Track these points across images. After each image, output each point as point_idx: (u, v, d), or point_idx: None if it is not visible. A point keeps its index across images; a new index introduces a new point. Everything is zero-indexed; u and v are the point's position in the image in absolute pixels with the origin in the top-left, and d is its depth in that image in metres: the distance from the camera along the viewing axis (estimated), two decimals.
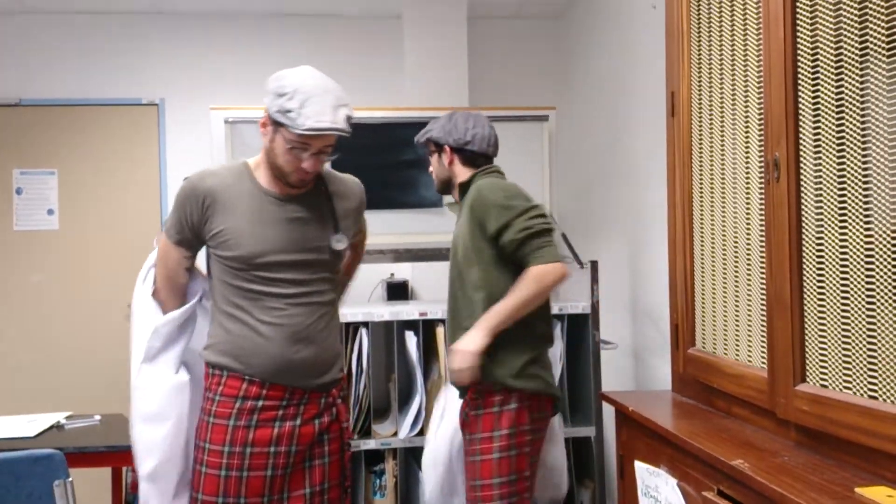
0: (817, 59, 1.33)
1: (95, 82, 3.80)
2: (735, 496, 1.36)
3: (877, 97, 1.18)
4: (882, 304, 1.17)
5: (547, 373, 1.96)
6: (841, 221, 1.27)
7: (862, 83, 1.21)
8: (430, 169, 2.14)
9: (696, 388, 1.85)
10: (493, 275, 1.90)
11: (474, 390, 1.93)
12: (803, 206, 1.37)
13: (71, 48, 3.79)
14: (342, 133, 1.62)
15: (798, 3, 1.37)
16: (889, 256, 1.16)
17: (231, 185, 1.70)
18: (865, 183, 1.21)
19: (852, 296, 1.24)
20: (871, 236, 1.20)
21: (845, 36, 1.25)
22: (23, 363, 3.69)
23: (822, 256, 1.32)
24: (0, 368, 3.70)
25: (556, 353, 2.52)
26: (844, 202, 1.26)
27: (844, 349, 1.27)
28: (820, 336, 1.33)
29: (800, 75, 1.37)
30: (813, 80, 1.34)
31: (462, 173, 2.05)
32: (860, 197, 1.22)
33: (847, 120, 1.25)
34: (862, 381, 1.22)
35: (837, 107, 1.27)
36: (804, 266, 1.37)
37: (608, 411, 2.36)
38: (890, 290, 1.16)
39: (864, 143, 1.21)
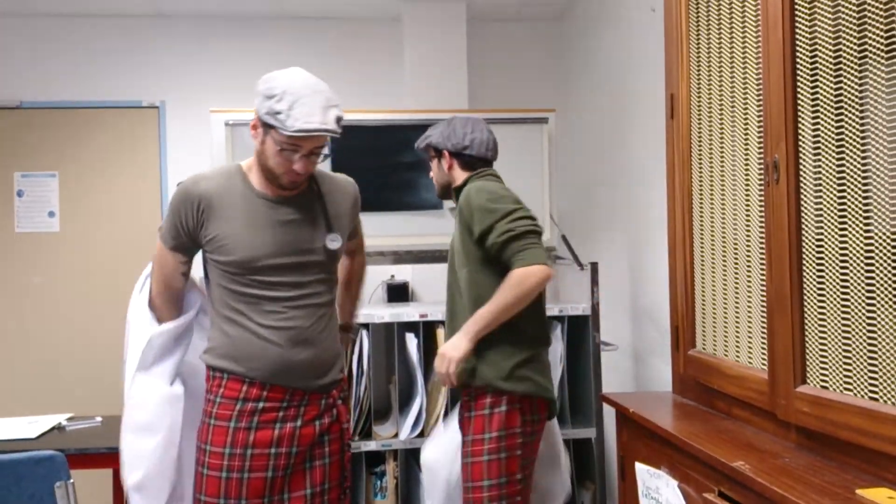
0: (816, 61, 1.33)
1: (96, 85, 3.80)
2: (736, 498, 1.36)
3: (875, 98, 1.18)
4: (882, 304, 1.18)
5: (540, 375, 1.94)
6: (840, 222, 1.27)
7: (861, 84, 1.22)
8: (431, 174, 2.15)
9: (697, 390, 1.86)
10: (481, 277, 1.92)
11: (466, 392, 1.94)
12: (803, 208, 1.37)
13: (72, 51, 3.80)
14: (332, 134, 1.61)
15: (797, 6, 1.37)
16: (889, 257, 1.16)
17: (225, 189, 1.70)
18: (865, 184, 1.21)
19: (852, 297, 1.24)
20: (870, 237, 1.20)
21: (844, 38, 1.25)
22: (24, 365, 3.70)
23: (821, 257, 1.32)
24: (1, 370, 3.70)
25: (557, 354, 2.52)
26: (844, 203, 1.26)
27: (845, 350, 1.27)
28: (820, 337, 1.34)
29: (799, 77, 1.38)
30: (812, 81, 1.34)
31: (460, 177, 2.06)
32: (860, 198, 1.22)
33: (846, 121, 1.25)
34: (862, 383, 1.22)
35: (836, 108, 1.28)
36: (804, 267, 1.37)
37: (609, 413, 2.36)
38: (890, 291, 1.16)
39: (863, 144, 1.21)
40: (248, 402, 1.67)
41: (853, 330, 1.24)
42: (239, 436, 1.65)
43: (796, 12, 1.38)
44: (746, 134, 1.58)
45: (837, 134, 1.27)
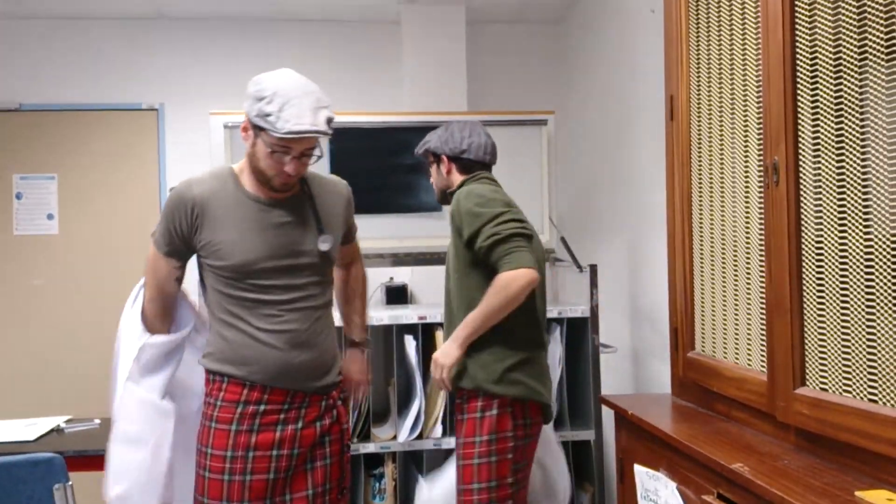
0: (816, 63, 1.33)
1: (95, 87, 3.80)
2: (735, 500, 1.36)
3: (876, 101, 1.18)
4: (882, 307, 1.18)
5: (533, 379, 1.93)
6: (840, 224, 1.27)
7: (861, 87, 1.22)
8: (431, 180, 2.16)
9: (696, 392, 1.85)
10: (472, 281, 1.92)
11: (459, 395, 1.95)
12: (802, 210, 1.37)
13: (71, 53, 3.80)
14: (323, 135, 1.60)
15: (797, 7, 1.38)
16: (888, 259, 1.16)
17: (218, 193, 1.69)
18: (865, 186, 1.21)
19: (852, 299, 1.24)
20: (870, 239, 1.20)
21: (844, 40, 1.25)
22: (22, 367, 3.69)
23: (821, 259, 1.33)
24: (1, 372, 3.69)
25: (556, 356, 2.52)
26: (844, 205, 1.26)
27: (844, 352, 1.27)
28: (819, 339, 1.34)
29: (799, 79, 1.38)
30: (812, 83, 1.35)
31: (457, 181, 2.07)
32: (859, 200, 1.22)
33: (846, 123, 1.25)
34: (862, 385, 1.22)
35: (836, 110, 1.28)
36: (804, 269, 1.37)
37: (607, 415, 2.36)
38: (889, 293, 1.16)
39: (863, 146, 1.22)
40: (249, 405, 1.66)
41: (852, 332, 1.24)
42: (241, 438, 1.65)
43: (796, 14, 1.38)
44: (746, 136, 1.58)
45: (837, 136, 1.28)
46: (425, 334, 2.56)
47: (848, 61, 1.24)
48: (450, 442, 2.46)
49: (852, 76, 1.23)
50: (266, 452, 1.66)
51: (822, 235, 1.32)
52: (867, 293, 1.21)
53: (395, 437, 2.49)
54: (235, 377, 1.67)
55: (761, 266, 1.52)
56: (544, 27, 4.05)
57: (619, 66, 3.12)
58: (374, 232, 2.82)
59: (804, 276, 1.37)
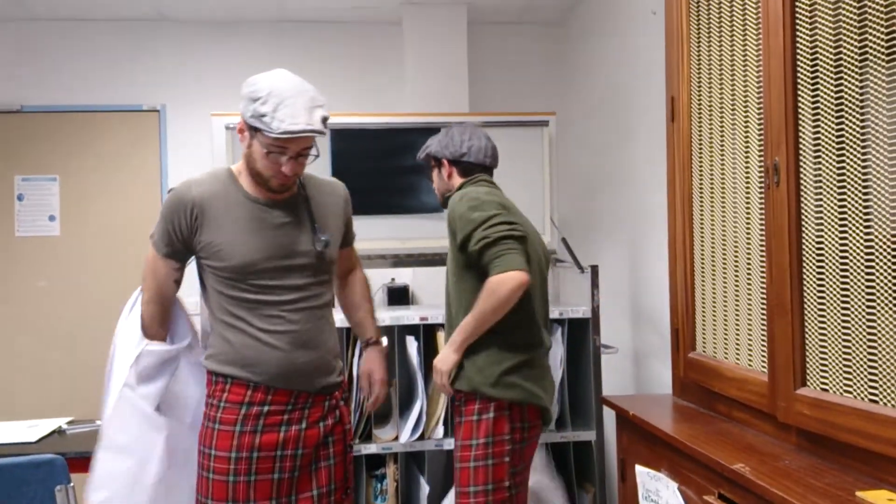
0: (817, 64, 1.33)
1: (96, 89, 3.81)
2: (736, 500, 1.36)
3: (876, 102, 1.19)
4: (882, 307, 1.18)
5: (531, 382, 1.92)
6: (841, 225, 1.27)
7: (861, 88, 1.22)
8: (434, 185, 2.17)
9: (697, 392, 1.86)
10: (468, 284, 1.93)
11: (458, 398, 1.95)
12: (803, 211, 1.37)
13: (72, 55, 3.81)
14: (318, 134, 1.60)
15: (797, 9, 1.38)
16: (889, 260, 1.16)
17: (218, 194, 1.69)
18: (865, 187, 1.21)
19: (852, 299, 1.25)
20: (871, 240, 1.20)
21: (844, 41, 1.26)
22: (24, 368, 3.70)
23: (822, 260, 1.33)
24: (1, 373, 3.70)
25: (557, 357, 2.52)
26: (844, 206, 1.26)
27: (845, 353, 1.27)
28: (820, 340, 1.34)
29: (799, 80, 1.38)
30: (812, 84, 1.35)
31: (457, 185, 2.07)
32: (860, 201, 1.23)
33: (847, 124, 1.26)
34: (862, 385, 1.23)
35: (837, 111, 1.28)
36: (804, 270, 1.38)
37: (609, 415, 2.36)
38: (890, 294, 1.16)
39: (863, 147, 1.22)
40: (252, 405, 1.67)
41: (853, 332, 1.25)
42: (245, 439, 1.65)
43: (797, 15, 1.38)
44: (747, 137, 1.58)
45: (838, 137, 1.28)
46: (427, 335, 2.57)
47: (848, 62, 1.25)
48: (451, 443, 2.46)
49: (853, 77, 1.24)
50: (270, 453, 1.66)
51: (822, 236, 1.32)
52: (868, 293, 1.21)
53: (396, 438, 2.49)
54: (239, 378, 1.67)
55: (762, 266, 1.52)
56: (546, 28, 4.05)
57: (620, 67, 3.12)
58: (376, 233, 2.82)
59: (805, 276, 1.37)
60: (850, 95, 1.25)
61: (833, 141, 1.29)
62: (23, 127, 3.76)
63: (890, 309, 1.16)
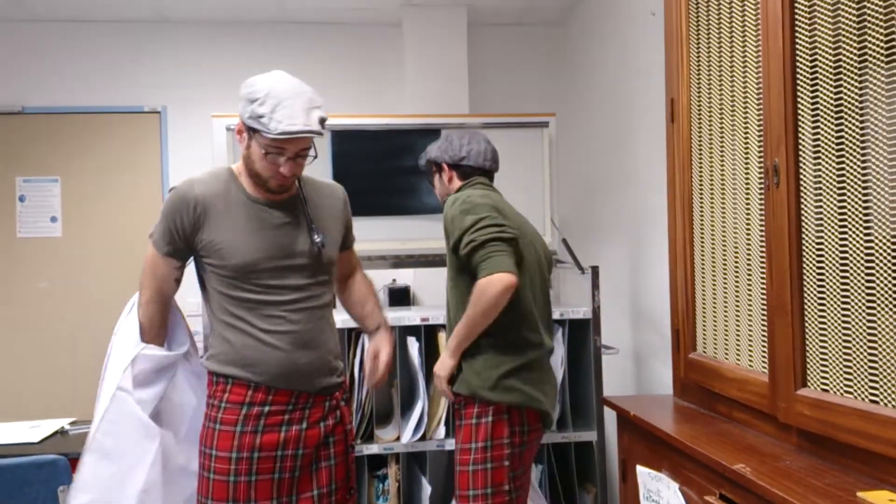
0: (816, 65, 1.34)
1: (98, 90, 3.82)
2: (737, 500, 1.36)
3: (875, 103, 1.19)
4: (882, 308, 1.18)
5: (530, 385, 1.91)
6: (841, 226, 1.28)
7: (861, 89, 1.22)
8: (436, 191, 2.18)
9: (698, 393, 1.86)
10: (462, 286, 1.93)
11: (457, 401, 1.96)
12: (803, 211, 1.38)
13: (73, 56, 3.81)
14: (315, 135, 1.61)
15: (797, 10, 1.38)
16: (889, 260, 1.17)
17: (219, 193, 1.69)
18: (865, 188, 1.22)
19: (853, 300, 1.25)
20: (870, 240, 1.21)
21: (844, 42, 1.26)
22: (26, 369, 3.70)
23: (822, 261, 1.33)
24: (3, 374, 3.71)
25: (558, 357, 2.52)
26: (844, 207, 1.27)
27: (845, 353, 1.27)
28: (821, 340, 1.34)
29: (799, 81, 1.38)
30: (812, 85, 1.35)
31: (456, 189, 2.08)
32: (860, 201, 1.23)
33: (846, 125, 1.26)
34: (863, 386, 1.23)
35: (836, 112, 1.28)
36: (804, 270, 1.38)
37: (610, 416, 2.37)
38: (890, 295, 1.16)
39: (863, 148, 1.22)
40: (253, 406, 1.67)
41: (853, 333, 1.25)
42: (245, 440, 1.65)
43: (796, 16, 1.39)
44: (746, 138, 1.59)
45: (837, 138, 1.28)
46: (428, 336, 2.57)
47: (848, 63, 1.25)
48: (452, 443, 2.47)
49: (852, 78, 1.24)
50: (271, 453, 1.67)
51: (822, 237, 1.33)
52: (868, 294, 1.21)
53: (398, 439, 2.50)
54: (240, 379, 1.68)
55: (762, 267, 1.52)
56: (545, 30, 4.06)
57: (619, 68, 3.13)
58: (377, 234, 2.83)
59: (805, 277, 1.38)
60: (849, 97, 1.25)
61: (833, 142, 1.29)
62: (24, 128, 3.76)
63: (890, 309, 1.16)
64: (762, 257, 1.52)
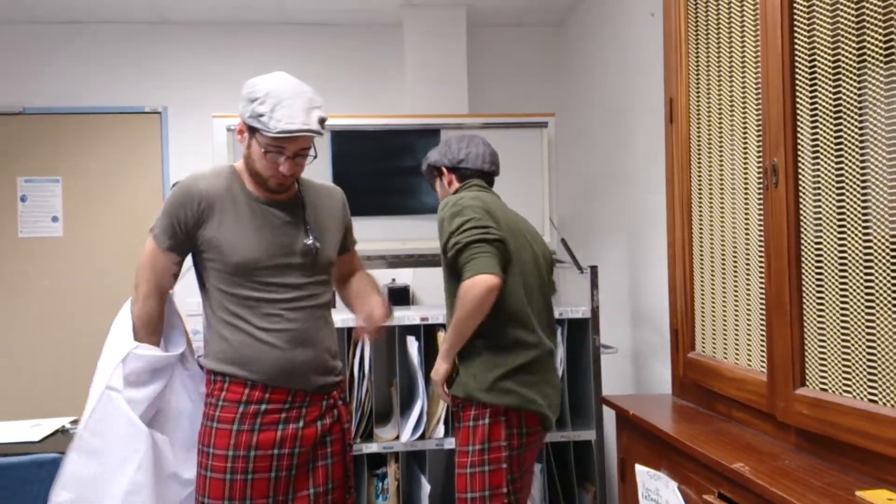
0: (815, 66, 1.34)
1: (99, 91, 3.83)
2: (735, 499, 1.37)
3: (874, 103, 1.20)
4: (881, 307, 1.19)
5: (527, 387, 1.89)
6: (839, 226, 1.28)
7: (860, 89, 1.23)
8: (438, 196, 2.19)
9: (697, 392, 1.86)
10: (454, 288, 1.93)
11: (455, 403, 1.96)
12: (802, 211, 1.38)
13: (74, 57, 3.82)
14: (315, 134, 1.62)
15: (795, 10, 1.39)
16: (888, 260, 1.17)
17: (223, 190, 1.70)
18: (864, 187, 1.22)
19: (851, 299, 1.25)
20: (869, 240, 1.21)
21: (843, 42, 1.27)
22: (27, 368, 3.71)
23: (820, 260, 1.34)
24: (4, 373, 3.71)
25: (557, 357, 2.53)
26: (843, 207, 1.27)
27: (844, 353, 1.28)
28: (819, 340, 1.35)
29: (798, 81, 1.39)
30: (811, 86, 1.36)
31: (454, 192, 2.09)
32: (858, 201, 1.23)
33: (845, 125, 1.26)
34: (862, 385, 1.23)
35: (835, 112, 1.29)
36: (803, 270, 1.38)
37: (609, 415, 2.37)
38: (889, 294, 1.17)
39: (861, 148, 1.23)
40: (250, 404, 1.67)
41: (852, 332, 1.25)
42: (242, 438, 1.66)
43: (795, 17, 1.39)
44: (745, 138, 1.59)
45: (836, 138, 1.29)
46: (427, 335, 2.58)
47: (846, 64, 1.25)
48: (452, 442, 2.47)
49: (851, 78, 1.25)
50: (267, 452, 1.67)
51: (821, 236, 1.33)
52: (866, 294, 1.22)
53: (397, 438, 2.50)
54: (237, 377, 1.68)
55: (761, 267, 1.53)
56: (545, 30, 4.06)
57: (618, 68, 3.13)
58: (376, 234, 2.83)
59: (804, 276, 1.38)
60: (848, 96, 1.25)
61: (831, 142, 1.30)
62: (26, 129, 3.77)
63: (889, 309, 1.17)
64: (761, 257, 1.52)
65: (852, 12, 1.24)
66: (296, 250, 1.72)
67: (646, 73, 2.75)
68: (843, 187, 1.27)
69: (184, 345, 1.78)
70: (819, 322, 1.34)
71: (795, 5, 1.39)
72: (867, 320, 1.21)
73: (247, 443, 1.66)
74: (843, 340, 1.28)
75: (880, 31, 1.18)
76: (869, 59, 1.20)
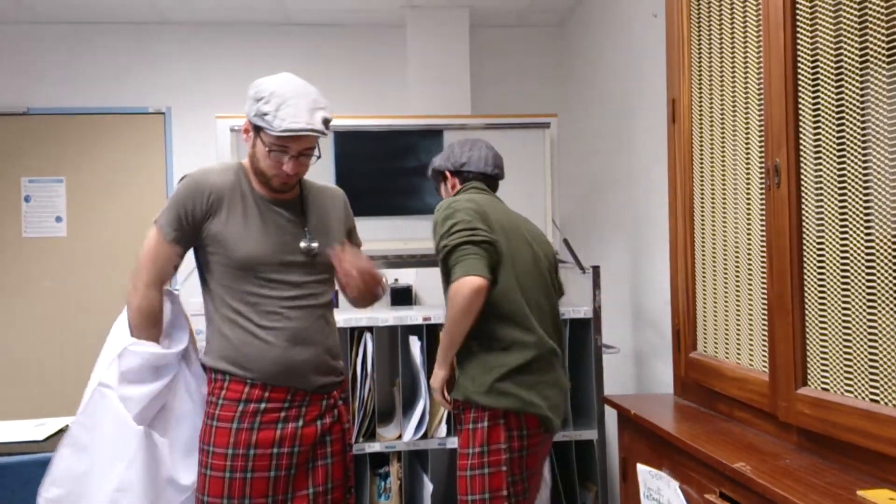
0: (817, 66, 1.34)
1: (102, 91, 3.84)
2: (737, 499, 1.37)
3: (877, 103, 1.20)
4: (883, 307, 1.19)
5: (526, 389, 1.88)
6: (841, 226, 1.28)
7: (862, 89, 1.23)
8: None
9: (698, 392, 1.87)
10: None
11: (456, 406, 1.96)
12: (804, 211, 1.38)
13: (78, 57, 3.83)
14: (319, 134, 1.63)
15: (798, 10, 1.39)
16: (890, 260, 1.17)
17: (231, 185, 1.72)
18: (866, 188, 1.22)
19: (853, 299, 1.26)
20: (871, 240, 1.21)
21: (845, 42, 1.27)
22: (30, 368, 3.72)
23: (822, 261, 1.34)
24: (8, 373, 3.72)
25: (563, 357, 2.53)
26: (845, 207, 1.27)
27: (846, 353, 1.28)
28: (821, 340, 1.35)
29: (800, 81, 1.39)
30: (813, 86, 1.36)
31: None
32: (860, 202, 1.24)
33: (847, 125, 1.27)
34: (863, 385, 1.24)
35: (838, 112, 1.29)
36: (805, 270, 1.39)
37: (610, 415, 2.37)
38: (891, 294, 1.17)
39: (864, 148, 1.23)
40: (250, 403, 1.68)
41: (854, 332, 1.26)
42: (241, 436, 1.66)
43: (797, 17, 1.39)
44: (748, 138, 1.59)
45: (838, 138, 1.29)
46: (430, 335, 2.58)
47: (849, 63, 1.26)
48: (454, 441, 2.48)
49: (853, 78, 1.25)
50: (267, 450, 1.67)
51: (823, 236, 1.33)
52: (868, 293, 1.22)
53: (400, 437, 2.51)
54: (237, 376, 1.68)
55: (763, 267, 1.53)
56: (547, 30, 4.06)
57: (621, 69, 3.13)
58: (379, 234, 2.84)
59: (805, 276, 1.38)
60: (850, 97, 1.26)
61: (834, 142, 1.30)
62: (29, 129, 3.78)
63: (890, 309, 1.17)
64: (763, 257, 1.52)
65: (855, 12, 1.24)
66: (299, 249, 1.73)
67: (648, 74, 2.75)
68: (845, 187, 1.27)
69: (185, 342, 1.77)
70: (821, 322, 1.34)
71: (798, 5, 1.39)
72: (869, 320, 1.22)
73: (246, 441, 1.66)
74: (844, 340, 1.28)
75: (883, 31, 1.18)
76: (871, 59, 1.20)
